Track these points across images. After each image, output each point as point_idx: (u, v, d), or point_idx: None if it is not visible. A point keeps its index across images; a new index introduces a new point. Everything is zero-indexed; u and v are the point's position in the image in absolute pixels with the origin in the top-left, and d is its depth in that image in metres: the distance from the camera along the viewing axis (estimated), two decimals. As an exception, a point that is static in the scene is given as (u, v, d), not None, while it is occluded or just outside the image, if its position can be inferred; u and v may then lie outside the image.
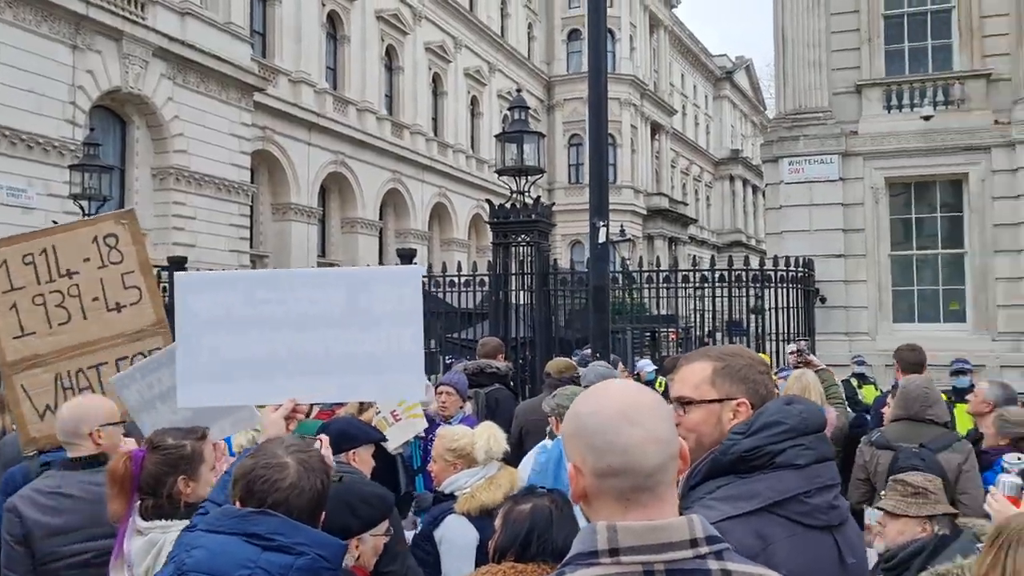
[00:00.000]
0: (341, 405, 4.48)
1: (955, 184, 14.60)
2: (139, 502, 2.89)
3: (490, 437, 3.98)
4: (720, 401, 2.01)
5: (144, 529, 2.85)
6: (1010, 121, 14.01)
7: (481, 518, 3.67)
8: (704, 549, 1.38)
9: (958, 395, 6.70)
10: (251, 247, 25.27)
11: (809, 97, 15.07)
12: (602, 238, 5.34)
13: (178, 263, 13.82)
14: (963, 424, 5.84)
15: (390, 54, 33.66)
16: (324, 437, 3.09)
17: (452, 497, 3.72)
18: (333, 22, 30.31)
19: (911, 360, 5.86)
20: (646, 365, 11.17)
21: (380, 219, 32.49)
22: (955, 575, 2.63)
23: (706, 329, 14.20)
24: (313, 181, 28.39)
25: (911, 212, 14.93)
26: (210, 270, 14.16)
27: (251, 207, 25.04)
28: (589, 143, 5.50)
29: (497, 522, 2.56)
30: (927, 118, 14.30)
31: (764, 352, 12.96)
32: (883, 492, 3.25)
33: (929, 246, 14.85)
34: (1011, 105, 14.12)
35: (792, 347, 6.59)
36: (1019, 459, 2.72)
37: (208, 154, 22.26)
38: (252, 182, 24.91)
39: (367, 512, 2.62)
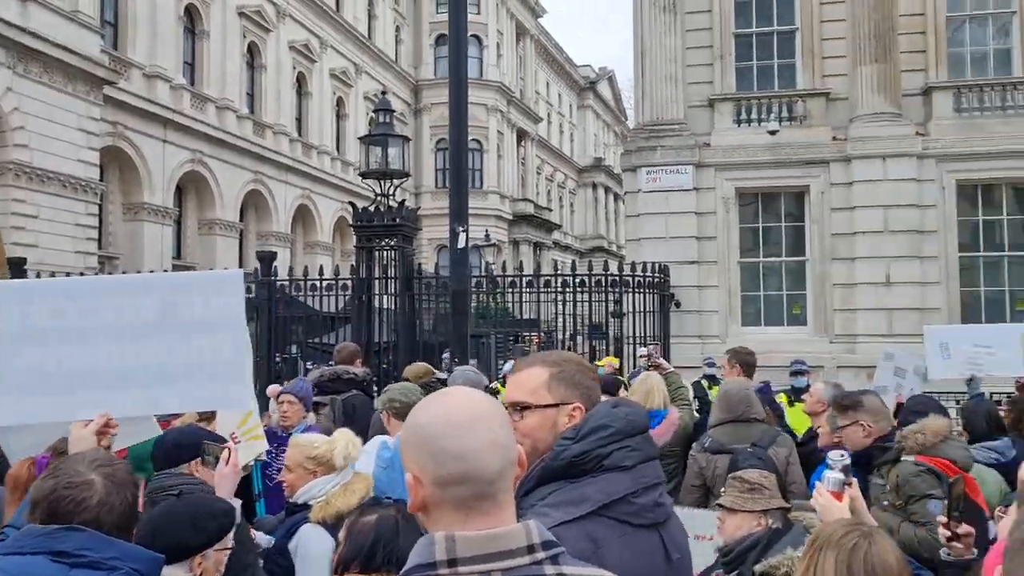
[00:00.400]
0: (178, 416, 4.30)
1: (798, 195, 15.51)
2: None
3: (348, 443, 3.94)
4: (556, 406, 2.04)
5: None
6: (846, 138, 15.00)
7: (337, 525, 3.62)
8: (541, 555, 1.40)
9: (796, 395, 7.11)
10: (100, 248, 23.99)
11: (666, 109, 15.67)
12: (462, 243, 5.37)
13: (17, 264, 12.97)
14: (801, 423, 6.19)
15: (252, 51, 32.72)
16: (231, 446, 3.01)
17: (306, 507, 3.66)
18: (191, 16, 29.20)
19: (751, 362, 6.19)
20: (508, 367, 11.29)
21: (240, 221, 31.51)
22: (786, 566, 2.80)
23: (568, 333, 14.52)
24: (169, 180, 27.22)
25: (759, 221, 15.76)
26: (52, 273, 13.35)
27: (100, 206, 23.78)
28: (450, 148, 5.53)
29: (341, 534, 2.53)
30: (773, 132, 15.14)
31: (622, 354, 13.40)
32: (723, 489, 3.42)
33: (774, 254, 15.71)
34: (847, 123, 15.13)
35: (643, 351, 6.82)
36: (842, 456, 2.93)
37: (52, 149, 20.98)
38: (101, 180, 23.66)
39: (209, 526, 2.52)
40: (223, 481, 2.74)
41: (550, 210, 57.60)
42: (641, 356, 6.40)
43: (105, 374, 2.75)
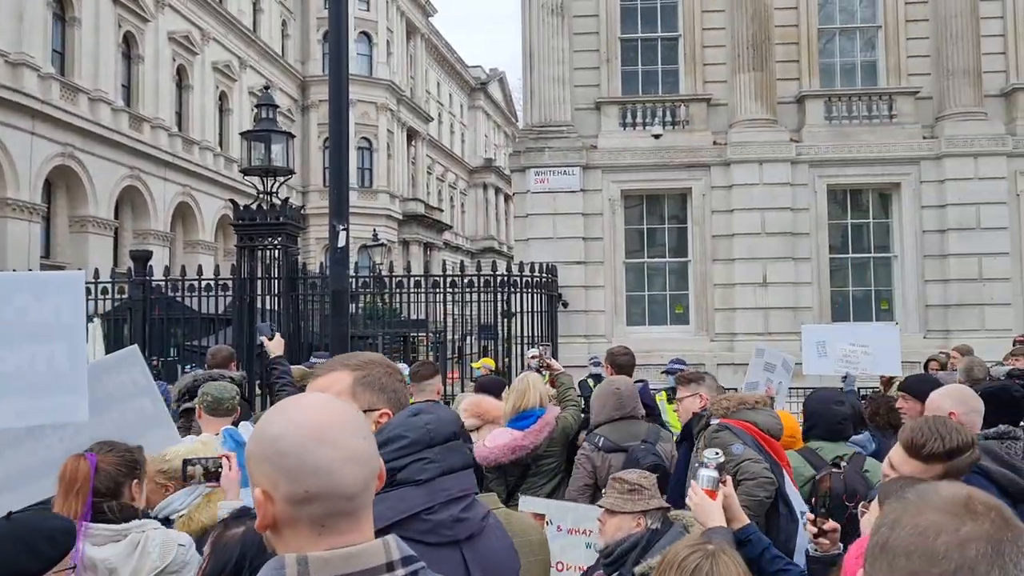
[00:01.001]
0: None
1: (681, 198, 15.93)
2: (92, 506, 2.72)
3: (201, 452, 3.75)
4: (363, 413, 1.88)
5: (116, 532, 2.75)
6: (726, 142, 15.50)
7: (204, 540, 3.47)
8: (400, 571, 1.35)
9: (675, 393, 7.27)
10: (-42, 246, 22.49)
11: (554, 111, 15.82)
12: (342, 241, 5.21)
13: None
14: (678, 421, 6.33)
15: (128, 41, 31.30)
16: (231, 454, 2.83)
17: (168, 522, 3.47)
18: (61, 2, 27.69)
19: (624, 363, 6.28)
20: (403, 369, 11.14)
21: (116, 218, 30.09)
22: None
23: (458, 333, 14.47)
24: (36, 175, 25.72)
25: (644, 223, 16.10)
26: (-98, 272, 12.40)
27: (-42, 201, 22.27)
28: (330, 143, 5.38)
29: (206, 549, 2.39)
30: (657, 136, 15.51)
31: (511, 354, 13.46)
32: (604, 491, 3.43)
33: (659, 254, 16.09)
34: (727, 128, 15.63)
35: (533, 351, 6.83)
36: (716, 454, 2.98)
37: (-97, 140, 19.53)
38: (-40, 173, 22.16)
39: (48, 550, 2.32)
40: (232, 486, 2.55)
41: (441, 210, 57.42)
42: (532, 357, 6.37)
43: None
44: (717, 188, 15.55)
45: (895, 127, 15.48)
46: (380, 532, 1.63)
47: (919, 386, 4.77)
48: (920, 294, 15.23)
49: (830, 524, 2.98)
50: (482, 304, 13.37)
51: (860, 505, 3.40)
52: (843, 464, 4.24)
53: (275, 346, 5.42)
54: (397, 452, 1.81)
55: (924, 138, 15.34)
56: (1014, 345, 9.76)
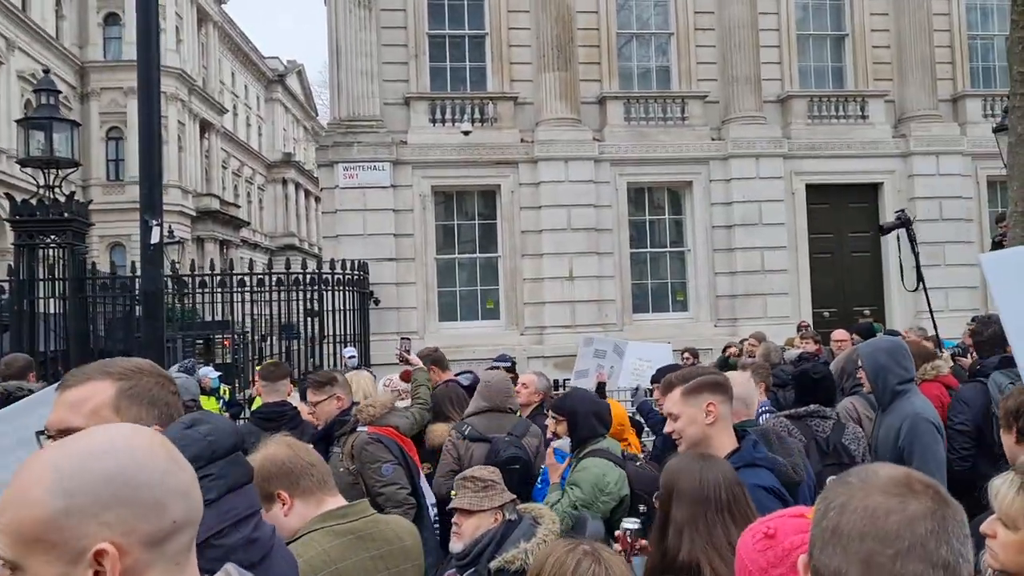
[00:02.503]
0: None
1: (490, 194, 16.14)
2: None
3: None
4: None
5: None
6: (533, 140, 15.86)
7: None
8: None
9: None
10: None
11: (362, 105, 15.56)
12: (155, 238, 4.84)
13: None
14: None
15: None
16: None
17: None
18: None
19: (437, 357, 6.30)
20: (209, 372, 10.58)
21: None
22: (520, 560, 2.83)
23: (259, 334, 13.92)
24: None
25: (454, 218, 16.18)
26: None
27: None
28: (140, 129, 4.97)
29: None
30: (466, 133, 15.61)
31: (321, 354, 13.12)
32: (453, 492, 3.37)
33: (469, 250, 16.23)
34: (534, 126, 16.00)
35: (350, 350, 6.60)
36: (635, 522, 2.96)
37: None
38: None
39: None
40: None
41: (238, 206, 55.05)
42: (350, 357, 6.17)
43: None
44: (525, 185, 15.89)
45: (687, 129, 16.46)
46: None
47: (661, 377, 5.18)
48: (711, 285, 16.29)
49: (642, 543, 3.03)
50: (287, 303, 12.94)
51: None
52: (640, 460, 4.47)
53: None
54: None
55: (712, 139, 16.42)
56: (799, 330, 10.65)
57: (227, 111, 55.17)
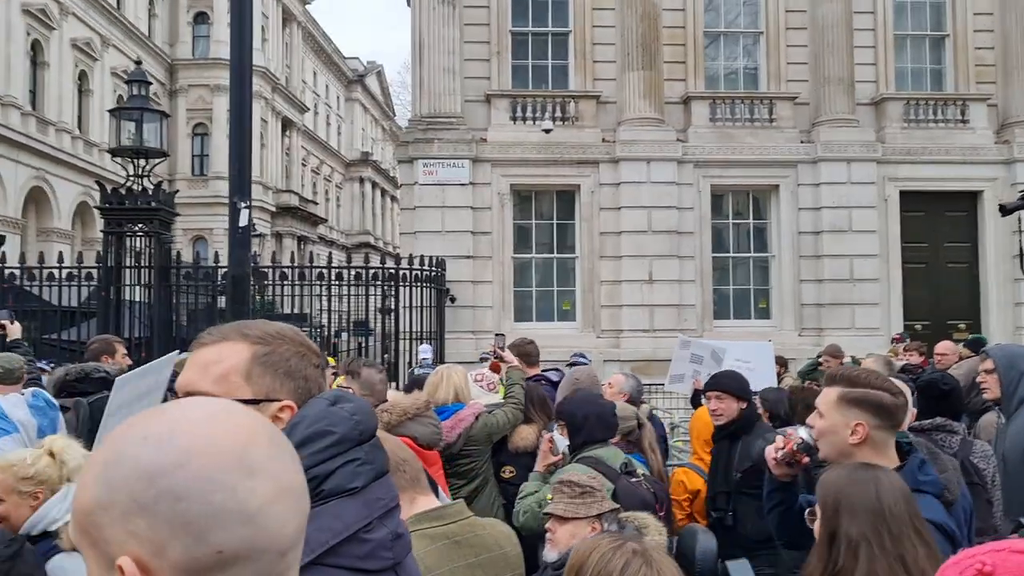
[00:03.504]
0: None
1: (570, 194, 15.90)
2: None
3: (64, 448, 3.28)
4: (256, 402, 1.43)
5: None
6: (615, 140, 15.56)
7: None
8: None
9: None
10: None
11: (443, 102, 15.49)
12: (244, 220, 4.73)
13: None
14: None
15: (-25, 11, 28.91)
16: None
17: (46, 536, 2.98)
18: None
19: (533, 352, 6.08)
20: None
21: (-42, 202, 27.72)
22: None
23: (334, 328, 13.95)
24: None
25: (532, 218, 15.99)
26: None
27: None
28: (231, 111, 4.90)
29: None
30: (547, 131, 15.40)
31: (397, 350, 13.05)
32: (549, 496, 3.15)
33: (547, 250, 16.01)
34: (616, 125, 15.70)
35: (424, 348, 6.38)
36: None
37: None
38: None
39: None
40: None
41: (316, 203, 55.97)
42: (486, 352, 5.98)
43: None
44: (605, 185, 15.60)
45: (775, 130, 15.94)
46: (311, 564, 1.25)
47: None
48: (796, 293, 15.74)
49: None
50: (363, 298, 12.90)
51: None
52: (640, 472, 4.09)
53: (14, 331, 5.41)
54: (323, 453, 1.38)
55: (802, 142, 15.87)
56: (893, 343, 10.13)
57: (308, 110, 56.14)
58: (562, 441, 4.08)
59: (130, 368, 4.99)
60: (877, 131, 16.04)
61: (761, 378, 6.76)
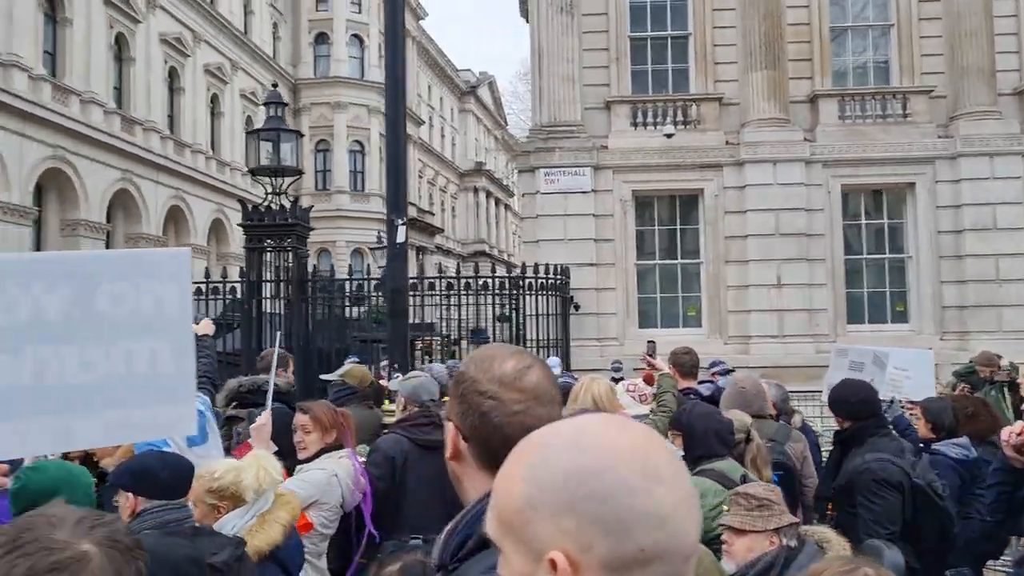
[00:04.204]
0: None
1: (693, 198, 15.68)
2: None
3: (259, 469, 3.43)
4: None
5: None
6: (739, 142, 15.26)
7: (263, 564, 3.19)
8: None
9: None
10: (-52, 250, 21.97)
11: (563, 111, 15.55)
12: (401, 237, 4.91)
13: None
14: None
15: (120, 43, 30.83)
16: None
17: None
18: (52, 2, 27.22)
19: (690, 363, 6.00)
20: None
21: (108, 222, 29.60)
22: (813, 588, 2.54)
23: (452, 337, 14.18)
24: (27, 178, 25.23)
25: (655, 223, 15.84)
26: None
27: (-52, 204, 21.78)
28: (387, 131, 5.09)
29: None
30: (669, 136, 15.24)
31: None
32: (725, 508, 3.12)
33: (670, 256, 15.82)
34: (740, 127, 15.40)
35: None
36: None
37: None
38: (-50, 176, 21.68)
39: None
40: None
41: (432, 214, 57.10)
42: (641, 357, 5.96)
43: None
44: (730, 188, 15.32)
45: (909, 126, 15.30)
46: None
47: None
48: (935, 295, 15.03)
49: None
50: (488, 307, 13.03)
51: None
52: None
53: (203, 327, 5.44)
54: None
55: (939, 137, 15.16)
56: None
57: (423, 122, 57.36)
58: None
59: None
60: (1022, 122, 15.16)
61: (919, 388, 6.48)
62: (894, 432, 4.52)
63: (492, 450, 1.45)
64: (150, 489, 2.89)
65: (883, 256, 15.56)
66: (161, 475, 2.92)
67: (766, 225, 15.00)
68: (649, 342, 5.91)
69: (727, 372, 7.42)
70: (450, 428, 1.54)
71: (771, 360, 14.26)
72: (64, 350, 1.97)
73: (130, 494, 2.89)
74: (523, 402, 1.48)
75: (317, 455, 4.29)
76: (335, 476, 4.14)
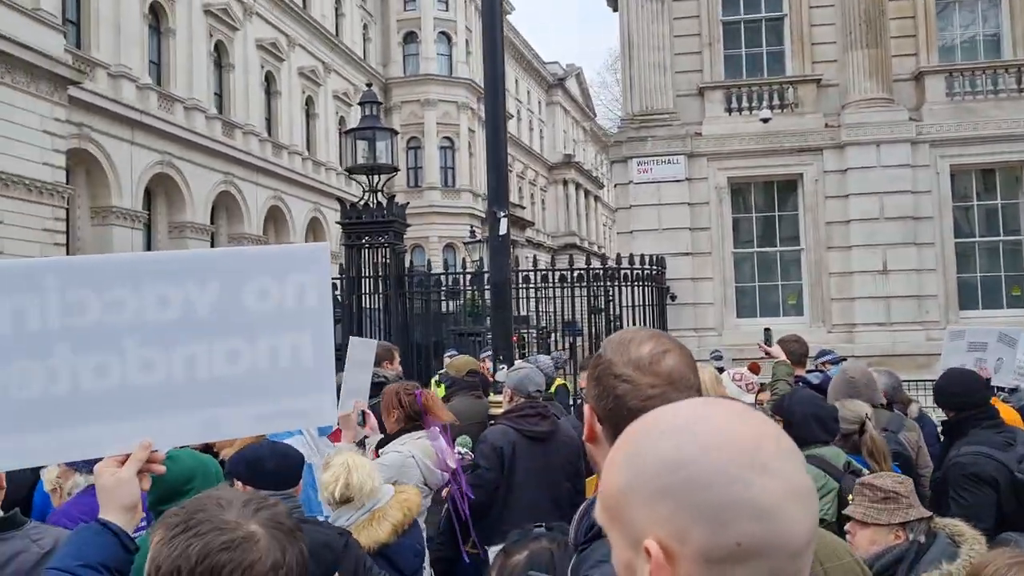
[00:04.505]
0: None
1: (792, 184, 15.26)
2: None
3: (349, 473, 3.49)
4: None
5: None
6: (839, 124, 14.78)
7: (375, 557, 3.26)
8: None
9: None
10: (68, 253, 23.17)
11: (655, 99, 15.35)
12: (503, 229, 4.95)
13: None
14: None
15: (219, 50, 31.95)
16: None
17: None
18: (156, 14, 28.40)
19: (799, 352, 5.85)
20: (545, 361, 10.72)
21: (212, 223, 30.75)
22: (947, 582, 2.44)
23: (547, 329, 14.16)
24: (137, 183, 26.43)
25: (752, 210, 15.49)
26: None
27: (67, 211, 22.97)
28: (487, 128, 5.14)
29: None
30: (766, 120, 14.86)
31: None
32: (851, 497, 3.02)
33: (768, 243, 15.45)
34: (839, 109, 14.91)
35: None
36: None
37: (16, 152, 20.17)
38: (68, 183, 22.85)
39: (311, 566, 2.01)
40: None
41: (523, 207, 57.23)
42: (759, 344, 5.86)
43: (140, 393, 2.00)
44: (830, 172, 14.85)
45: (1023, 101, 14.53)
46: None
47: None
48: (1056, 278, 14.26)
49: None
50: (579, 299, 12.95)
51: None
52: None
53: None
54: None
55: (1057, 112, 14.36)
56: None
57: (512, 116, 57.52)
58: None
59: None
60: None
61: None
62: (1004, 422, 4.29)
63: None
64: (258, 478, 2.99)
65: (996, 238, 14.82)
66: (268, 465, 3.03)
67: (870, 209, 14.48)
68: (765, 329, 5.79)
69: (837, 361, 7.19)
70: (587, 410, 1.54)
71: (878, 349, 13.79)
72: (215, 345, 2.06)
73: (239, 483, 3.00)
74: (658, 387, 1.47)
75: (397, 435, 4.38)
76: (412, 457, 4.20)
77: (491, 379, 5.84)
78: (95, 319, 1.98)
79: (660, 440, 0.92)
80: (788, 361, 5.21)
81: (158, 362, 2.02)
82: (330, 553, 2.01)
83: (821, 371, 5.67)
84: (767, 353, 5.26)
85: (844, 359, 7.53)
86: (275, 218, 35.66)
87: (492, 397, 5.48)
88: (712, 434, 0.90)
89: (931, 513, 2.89)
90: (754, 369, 5.32)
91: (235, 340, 2.07)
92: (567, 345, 16.74)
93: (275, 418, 2.14)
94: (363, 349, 4.60)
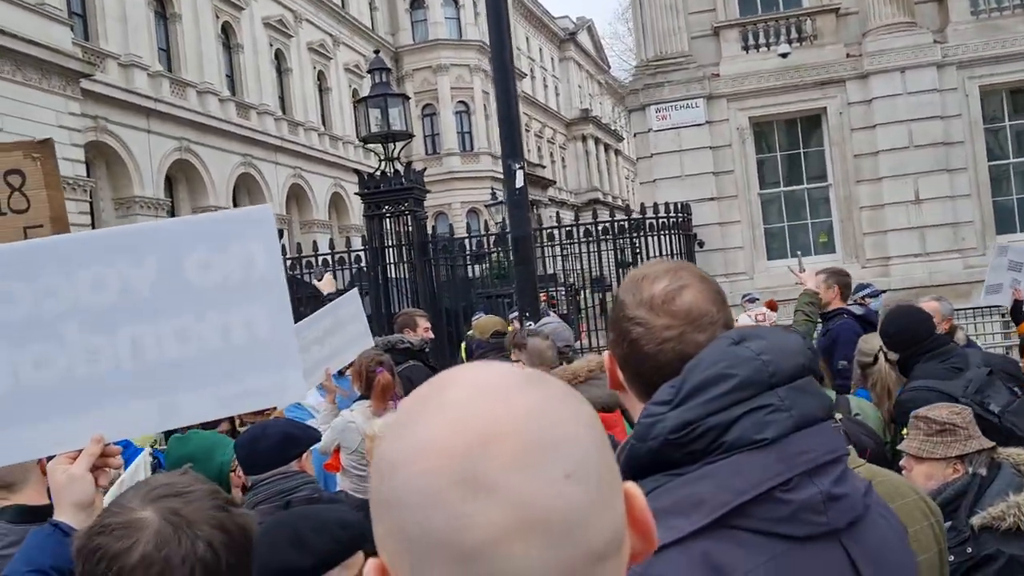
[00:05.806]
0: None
1: (815, 119, 14.89)
2: None
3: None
4: None
5: None
6: (861, 54, 14.34)
7: None
8: None
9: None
10: (95, 247, 23.30)
11: (669, 42, 14.99)
12: (519, 182, 4.83)
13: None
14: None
15: (227, 31, 31.75)
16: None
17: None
18: (161, 0, 28.24)
19: (846, 283, 5.65)
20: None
21: (234, 205, 30.77)
22: (1013, 515, 2.29)
23: (576, 286, 14.02)
24: (157, 171, 26.47)
25: (777, 150, 15.15)
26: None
27: (91, 203, 23.08)
28: (496, 78, 4.97)
29: None
30: (784, 55, 14.47)
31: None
32: (905, 431, 2.87)
33: (795, 182, 15.13)
34: (860, 37, 14.47)
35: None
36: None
37: (34, 149, 20.20)
38: (89, 176, 22.92)
39: (323, 545, 1.91)
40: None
41: (543, 166, 56.75)
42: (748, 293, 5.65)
43: (88, 383, 1.85)
44: (855, 104, 14.45)
45: (1053, 13, 14.00)
46: (712, 524, 1.08)
47: None
48: (1096, 195, 13.84)
49: None
50: (606, 253, 12.77)
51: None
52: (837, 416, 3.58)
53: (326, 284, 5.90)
54: (720, 400, 1.16)
55: (1089, 22, 13.82)
56: None
57: (525, 75, 56.84)
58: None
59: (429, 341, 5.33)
60: None
61: None
62: (955, 349, 4.07)
63: (646, 379, 1.30)
64: (249, 462, 2.87)
65: (1034, 158, 14.40)
66: (258, 447, 2.88)
67: (899, 138, 14.09)
68: (797, 254, 5.53)
69: (877, 294, 6.94)
70: (606, 357, 1.39)
71: (915, 280, 13.50)
72: (161, 326, 1.90)
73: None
74: (675, 327, 1.28)
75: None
76: (352, 423, 4.46)
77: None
78: (27, 310, 1.84)
79: (394, 429, 0.67)
80: (823, 291, 4.99)
81: (103, 348, 1.87)
82: (344, 531, 1.89)
83: (862, 304, 5.47)
84: (800, 280, 5.02)
85: (883, 291, 7.32)
86: (297, 196, 35.66)
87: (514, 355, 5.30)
88: (431, 426, 0.64)
89: (993, 443, 2.72)
90: (772, 306, 5.12)
91: (182, 319, 1.90)
92: (597, 301, 16.60)
93: (237, 399, 1.97)
94: (347, 304, 4.82)
